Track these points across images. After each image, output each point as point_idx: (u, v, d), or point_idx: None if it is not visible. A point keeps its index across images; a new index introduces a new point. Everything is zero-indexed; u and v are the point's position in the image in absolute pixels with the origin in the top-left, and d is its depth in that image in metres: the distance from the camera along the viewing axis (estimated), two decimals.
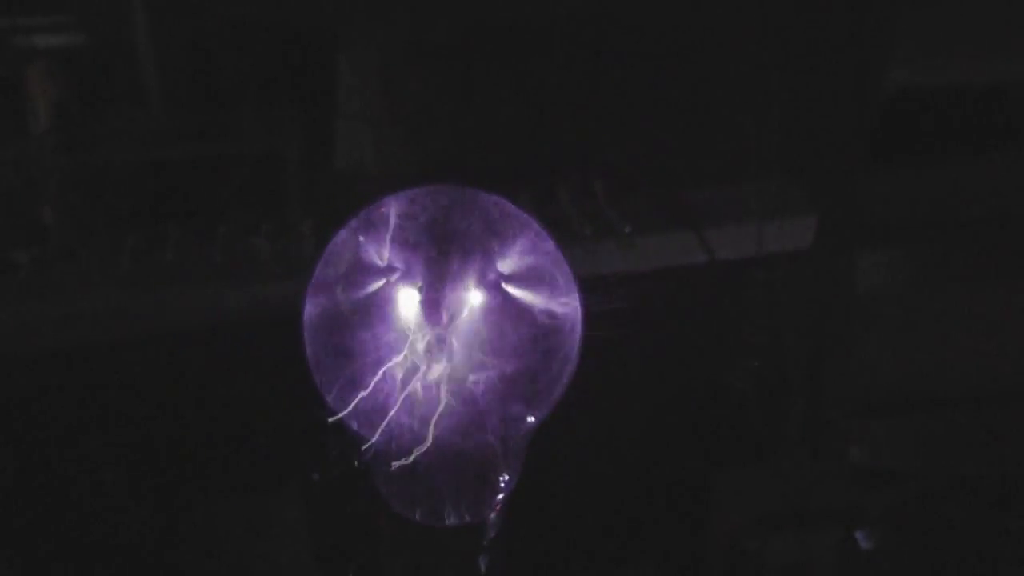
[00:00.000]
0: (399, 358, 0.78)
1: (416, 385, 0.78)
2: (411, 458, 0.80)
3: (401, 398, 0.78)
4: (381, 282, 0.79)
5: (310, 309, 0.81)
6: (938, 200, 1.41)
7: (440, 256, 0.78)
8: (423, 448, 0.79)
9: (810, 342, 1.38)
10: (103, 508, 1.21)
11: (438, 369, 0.78)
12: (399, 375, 0.78)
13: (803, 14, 1.28)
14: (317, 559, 1.24)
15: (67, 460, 1.19)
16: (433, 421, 0.78)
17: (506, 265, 0.79)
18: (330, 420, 0.81)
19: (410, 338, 0.78)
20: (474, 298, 0.78)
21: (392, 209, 0.80)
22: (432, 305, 0.78)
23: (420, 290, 0.78)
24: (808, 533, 1.29)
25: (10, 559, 1.21)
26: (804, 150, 1.33)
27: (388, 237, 0.79)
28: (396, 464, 0.81)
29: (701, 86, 1.30)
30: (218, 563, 1.25)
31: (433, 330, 0.78)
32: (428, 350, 0.78)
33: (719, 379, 1.30)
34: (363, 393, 0.79)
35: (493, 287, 0.79)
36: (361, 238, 0.80)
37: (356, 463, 0.83)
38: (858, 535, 1.36)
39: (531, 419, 0.80)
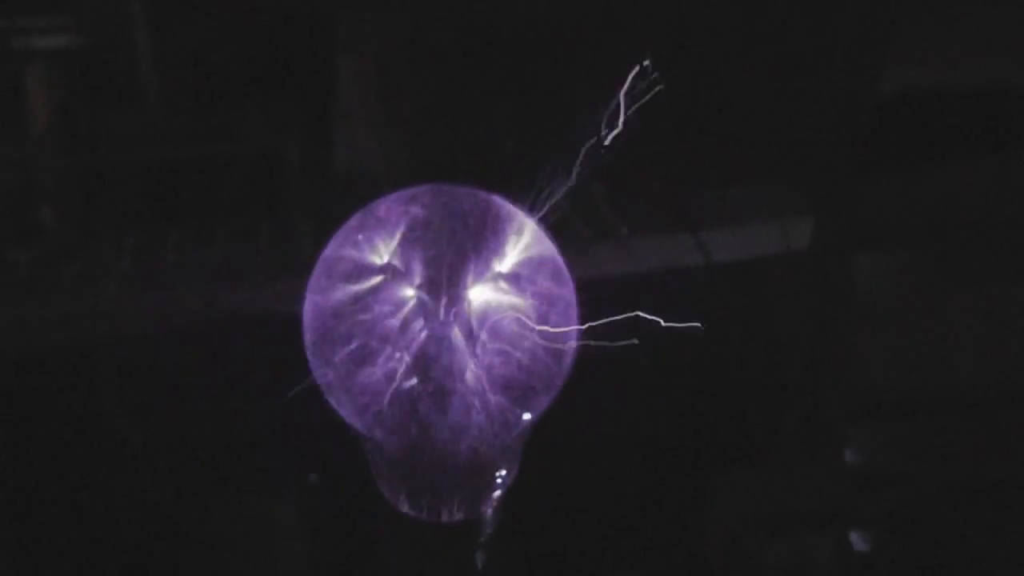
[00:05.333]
0: (398, 356, 0.79)
1: (414, 383, 0.79)
2: (409, 455, 0.80)
3: (399, 396, 0.79)
4: (380, 280, 0.79)
5: (309, 308, 0.81)
6: (936, 202, 1.41)
7: (439, 254, 0.78)
8: (421, 445, 0.79)
9: (807, 344, 1.39)
10: (102, 508, 1.21)
11: (436, 367, 0.79)
12: (398, 373, 0.78)
13: (800, 16, 1.28)
14: (315, 559, 1.24)
15: (66, 460, 1.20)
16: (431, 418, 0.79)
17: (504, 263, 0.80)
18: (329, 419, 0.81)
19: (409, 336, 0.79)
20: (472, 296, 0.79)
21: (391, 208, 0.80)
22: (430, 303, 0.78)
23: (419, 288, 0.78)
24: (805, 535, 1.29)
25: (9, 559, 1.21)
26: (801, 152, 1.34)
27: (386, 235, 0.79)
28: (394, 461, 0.82)
29: (699, 88, 1.30)
30: (216, 564, 1.25)
31: (431, 328, 0.78)
32: (426, 347, 0.78)
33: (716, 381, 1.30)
34: (362, 392, 0.79)
35: (491, 284, 0.79)
36: (359, 236, 0.80)
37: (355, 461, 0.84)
38: (855, 537, 1.36)
39: (528, 416, 0.80)
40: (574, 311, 0.82)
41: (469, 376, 0.79)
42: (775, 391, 1.40)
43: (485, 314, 0.79)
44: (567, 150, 1.28)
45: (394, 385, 0.79)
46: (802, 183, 1.32)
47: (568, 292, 0.82)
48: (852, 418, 1.44)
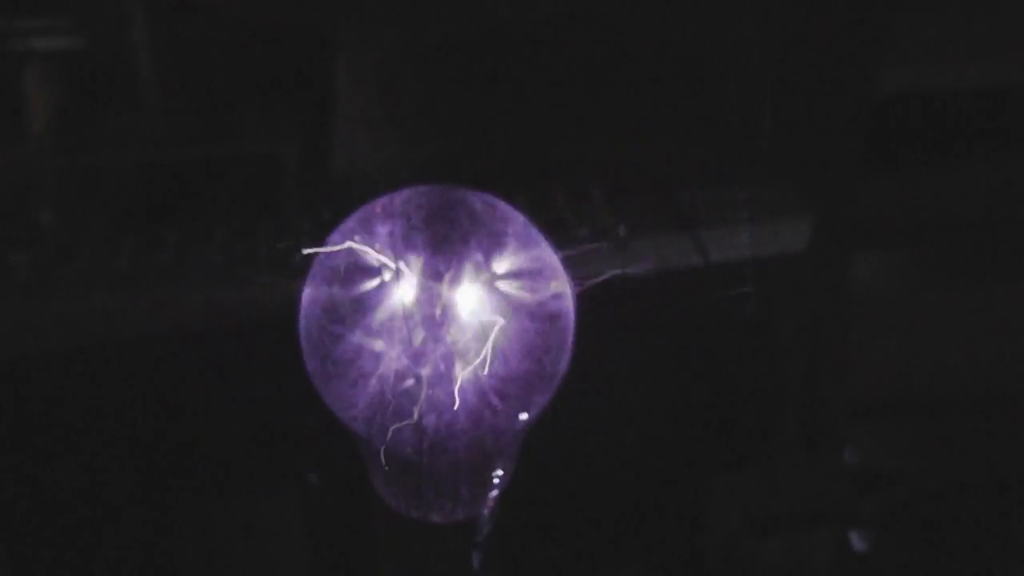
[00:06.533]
0: (395, 356, 0.79)
1: (411, 383, 0.79)
2: (406, 455, 0.80)
3: (396, 396, 0.79)
4: (376, 281, 0.79)
5: (306, 309, 0.81)
6: (934, 202, 1.41)
7: (435, 255, 0.79)
8: (417, 445, 0.79)
9: (806, 344, 1.39)
10: (101, 508, 1.22)
11: (433, 367, 0.79)
12: (394, 373, 0.79)
13: (799, 16, 1.28)
14: (313, 559, 1.25)
15: (66, 460, 1.20)
16: (428, 418, 0.79)
17: (501, 264, 0.80)
18: (326, 420, 0.82)
19: (406, 337, 0.79)
20: (469, 296, 0.79)
21: (388, 208, 0.81)
22: (427, 304, 0.78)
23: (415, 289, 0.78)
24: (804, 535, 1.29)
25: (9, 559, 1.22)
26: (800, 152, 1.34)
27: (383, 236, 0.79)
28: (390, 461, 0.82)
29: (697, 88, 1.30)
30: (215, 564, 1.25)
31: (428, 328, 0.79)
32: (422, 348, 0.79)
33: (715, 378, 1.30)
34: (359, 392, 0.79)
35: (488, 285, 0.79)
36: (357, 237, 0.80)
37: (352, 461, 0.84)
38: (854, 537, 1.36)
39: (525, 416, 0.80)
40: (571, 311, 0.82)
41: (466, 376, 0.79)
42: (775, 391, 1.40)
43: (481, 314, 0.79)
44: (566, 150, 1.28)
45: (390, 385, 0.79)
46: (802, 183, 1.32)
47: (565, 293, 0.82)
48: (852, 418, 1.44)
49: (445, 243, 0.79)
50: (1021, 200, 1.43)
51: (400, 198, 0.82)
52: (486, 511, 0.87)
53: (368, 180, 1.24)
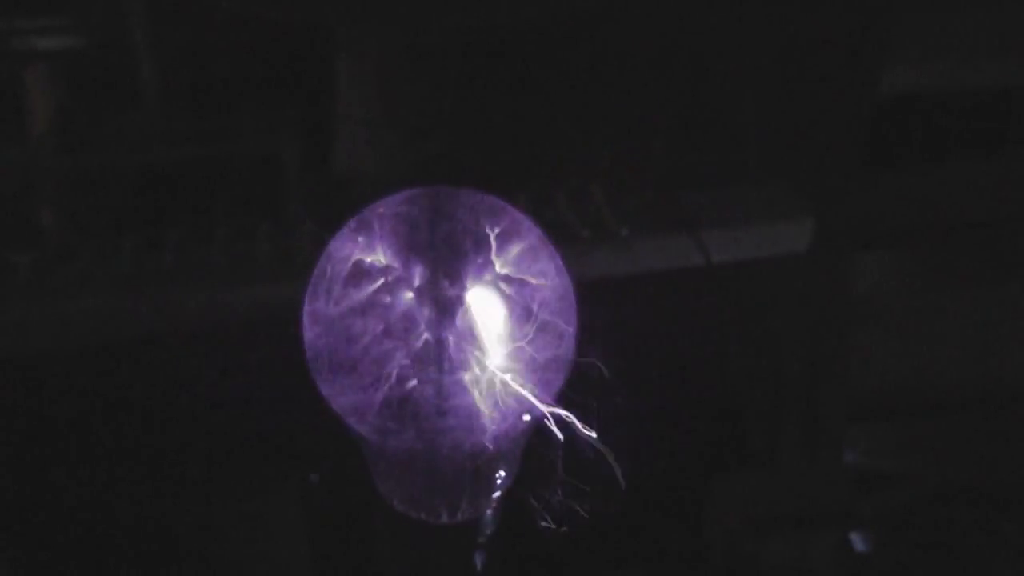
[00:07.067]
0: (397, 357, 0.79)
1: (414, 384, 0.79)
2: (408, 456, 0.80)
3: (399, 397, 0.79)
4: (379, 282, 0.79)
5: (308, 310, 0.81)
6: (935, 203, 1.41)
7: (437, 256, 0.79)
8: (420, 447, 0.79)
9: (807, 345, 1.39)
10: (101, 508, 1.21)
11: (435, 368, 0.79)
12: (397, 374, 0.79)
13: (801, 16, 1.28)
14: (315, 559, 1.25)
15: (66, 460, 1.20)
16: (430, 419, 0.79)
17: (503, 264, 0.80)
18: (328, 420, 0.82)
19: (408, 337, 0.79)
20: (471, 297, 0.79)
21: (389, 210, 0.81)
22: (429, 304, 0.78)
23: (417, 290, 0.78)
24: (805, 536, 1.29)
25: (9, 559, 1.22)
26: (802, 152, 1.34)
27: (385, 237, 0.79)
28: (393, 462, 0.82)
29: (699, 88, 1.30)
30: (216, 563, 1.25)
31: (430, 329, 0.79)
32: (425, 349, 0.79)
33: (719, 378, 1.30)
34: (361, 393, 0.79)
35: (490, 286, 0.79)
36: (359, 238, 0.80)
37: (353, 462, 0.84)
38: (855, 538, 1.36)
39: (527, 417, 0.80)
40: (573, 311, 0.82)
41: (468, 377, 0.79)
42: (775, 391, 1.40)
43: (484, 315, 0.79)
44: (565, 150, 1.28)
45: (393, 387, 0.79)
46: (802, 183, 1.32)
47: (566, 293, 0.82)
48: (852, 418, 1.44)
49: (447, 244, 0.79)
50: (1021, 200, 1.43)
51: (402, 199, 0.82)
52: (489, 512, 0.87)
53: (368, 180, 1.24)
